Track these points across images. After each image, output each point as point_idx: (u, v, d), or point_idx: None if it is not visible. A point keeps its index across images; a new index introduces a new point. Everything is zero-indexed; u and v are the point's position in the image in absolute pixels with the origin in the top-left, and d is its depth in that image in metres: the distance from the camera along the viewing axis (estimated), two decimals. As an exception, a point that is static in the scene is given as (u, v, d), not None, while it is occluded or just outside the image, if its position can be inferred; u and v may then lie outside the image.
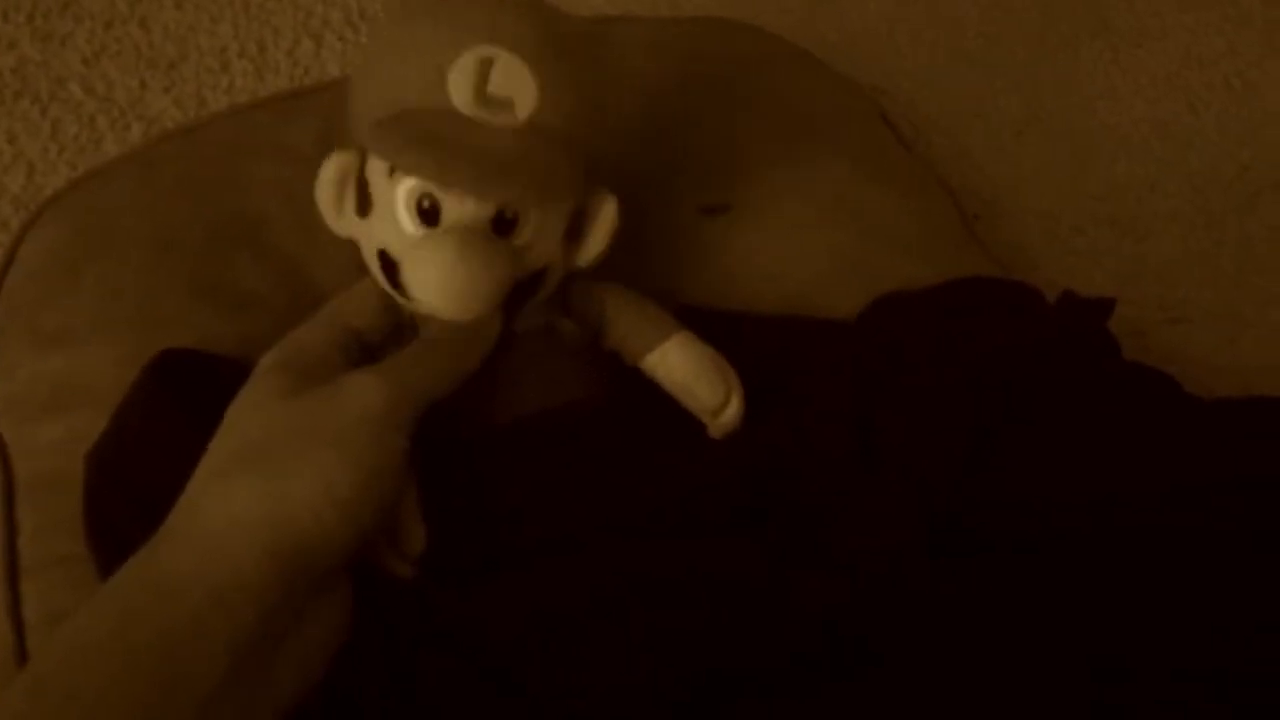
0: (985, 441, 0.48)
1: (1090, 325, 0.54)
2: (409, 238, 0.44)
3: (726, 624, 0.42)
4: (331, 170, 0.45)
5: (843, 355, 0.52)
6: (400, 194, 0.43)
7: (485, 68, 0.42)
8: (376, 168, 0.44)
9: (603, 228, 0.47)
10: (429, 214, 0.43)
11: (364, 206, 0.45)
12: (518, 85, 0.43)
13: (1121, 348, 0.54)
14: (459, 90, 0.42)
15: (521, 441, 0.45)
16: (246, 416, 0.40)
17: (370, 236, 0.45)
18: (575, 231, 0.47)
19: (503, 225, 0.44)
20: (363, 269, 0.47)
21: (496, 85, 0.43)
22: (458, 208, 0.43)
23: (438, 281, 0.42)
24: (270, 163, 0.58)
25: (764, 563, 0.44)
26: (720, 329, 0.51)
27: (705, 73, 0.65)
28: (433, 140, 0.41)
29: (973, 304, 0.55)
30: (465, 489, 0.44)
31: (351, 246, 0.47)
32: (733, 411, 0.49)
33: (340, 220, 0.46)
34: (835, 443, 0.49)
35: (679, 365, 0.49)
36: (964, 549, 0.45)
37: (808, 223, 0.58)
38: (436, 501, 0.43)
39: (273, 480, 0.37)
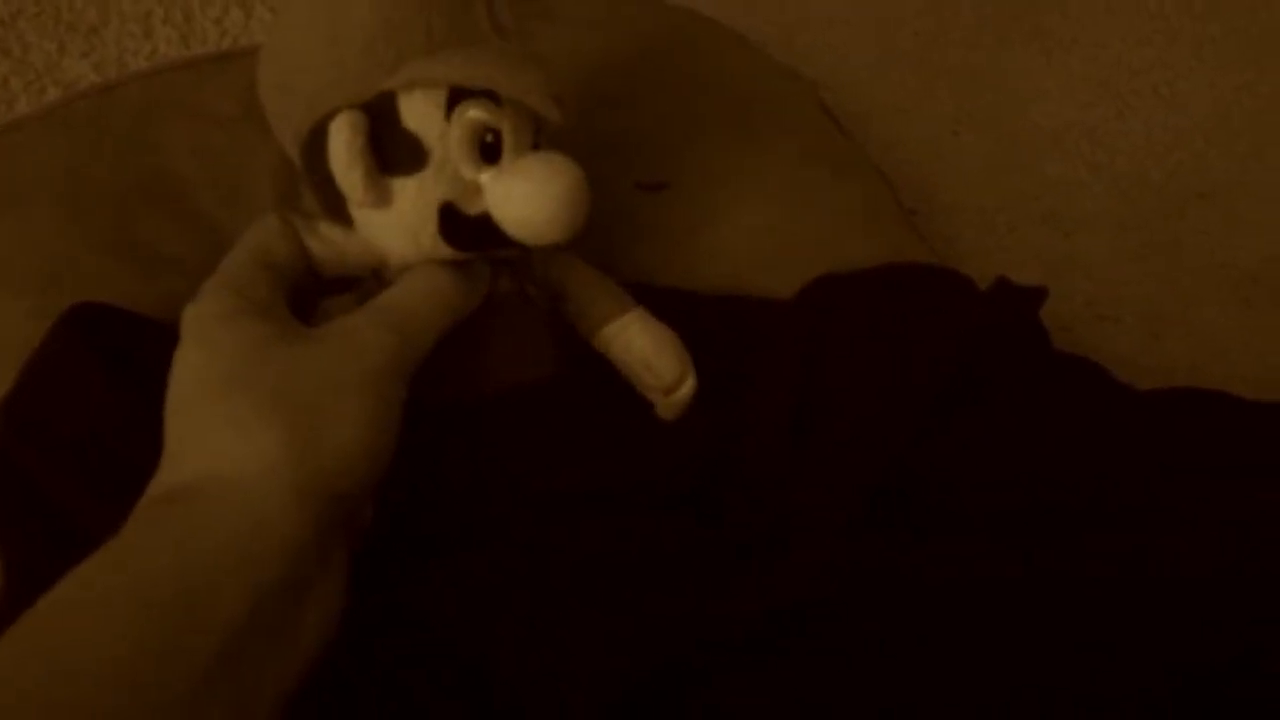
0: (926, 424, 0.48)
1: (1023, 313, 0.54)
2: (475, 178, 0.42)
3: (681, 607, 0.41)
4: (348, 132, 0.40)
5: (782, 335, 0.51)
6: (459, 132, 0.41)
7: None
8: (422, 112, 0.41)
9: None
10: (490, 150, 0.42)
11: (408, 163, 0.42)
12: None
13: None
14: None
15: (478, 416, 0.44)
16: (245, 362, 0.38)
17: (425, 192, 0.42)
18: None
19: None
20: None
21: None
22: (513, 133, 0.42)
23: (552, 209, 0.41)
24: (190, 123, 0.56)
25: (712, 545, 0.44)
26: (658, 306, 0.50)
27: (644, 52, 0.64)
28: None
29: (910, 288, 0.55)
30: (422, 462, 0.43)
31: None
32: (686, 390, 0.48)
33: (373, 190, 0.42)
34: (777, 424, 0.48)
35: (639, 339, 0.48)
36: (907, 531, 0.45)
37: (746, 202, 0.58)
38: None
39: (301, 429, 0.36)
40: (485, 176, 0.42)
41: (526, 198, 0.41)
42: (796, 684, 0.39)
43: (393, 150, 0.42)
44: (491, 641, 0.39)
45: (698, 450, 0.46)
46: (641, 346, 0.48)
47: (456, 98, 0.41)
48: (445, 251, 0.43)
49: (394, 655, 0.39)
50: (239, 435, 0.36)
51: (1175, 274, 0.75)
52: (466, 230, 0.42)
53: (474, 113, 0.41)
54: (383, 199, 0.42)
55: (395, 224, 0.43)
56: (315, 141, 0.42)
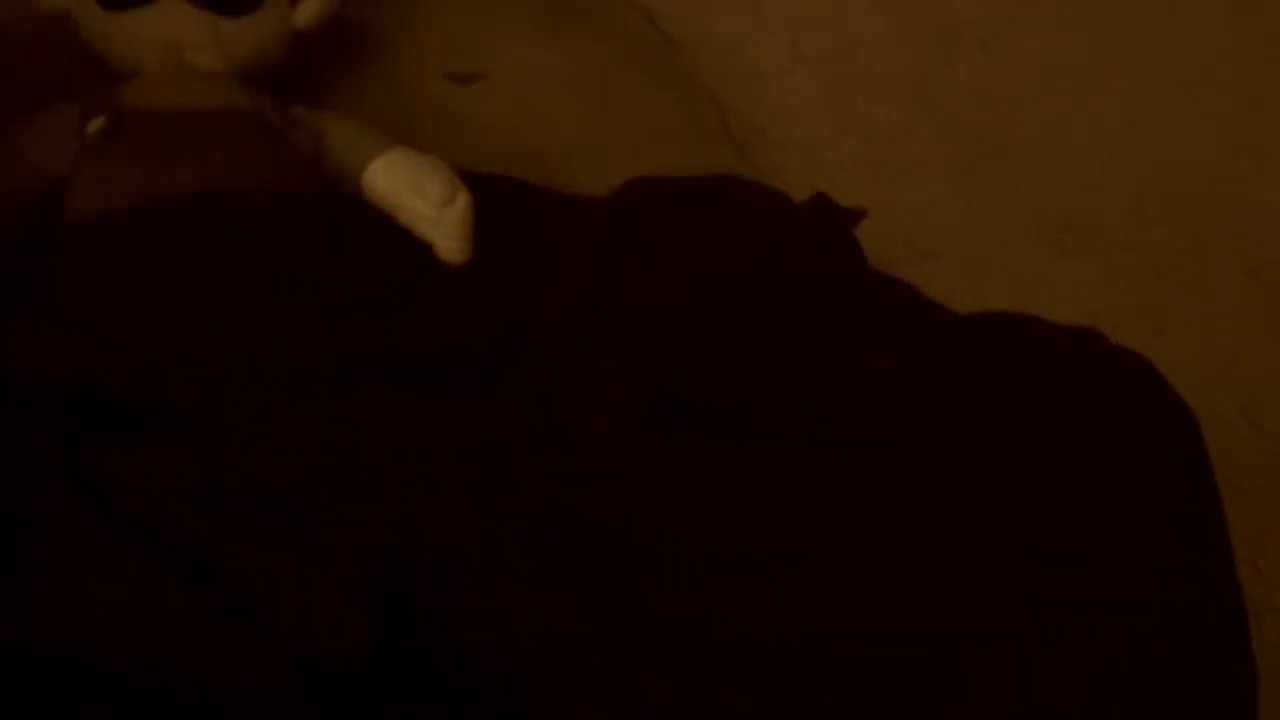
0: (727, 327, 0.47)
1: (839, 229, 0.54)
2: None
3: (442, 500, 0.39)
4: None
5: (590, 232, 0.50)
6: None
7: None
8: None
9: None
10: None
11: None
12: None
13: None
14: None
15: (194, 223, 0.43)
16: None
17: None
18: None
19: None
20: None
21: None
22: None
23: None
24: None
25: (489, 433, 0.42)
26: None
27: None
28: None
29: (724, 197, 0.53)
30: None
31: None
32: (460, 206, 0.47)
33: None
34: (573, 318, 0.47)
35: (403, 169, 0.47)
36: (695, 429, 0.44)
37: (558, 100, 0.56)
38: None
39: None
40: None
41: None
42: (572, 582, 0.38)
43: None
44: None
45: (489, 326, 0.45)
46: (408, 174, 0.47)
47: None
48: None
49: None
50: None
51: (993, 218, 0.76)
52: None
53: None
54: None
55: None
56: None
